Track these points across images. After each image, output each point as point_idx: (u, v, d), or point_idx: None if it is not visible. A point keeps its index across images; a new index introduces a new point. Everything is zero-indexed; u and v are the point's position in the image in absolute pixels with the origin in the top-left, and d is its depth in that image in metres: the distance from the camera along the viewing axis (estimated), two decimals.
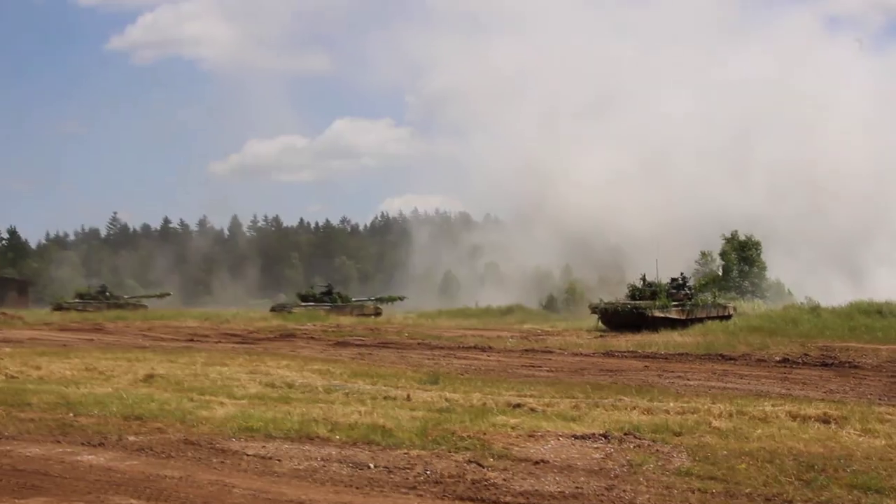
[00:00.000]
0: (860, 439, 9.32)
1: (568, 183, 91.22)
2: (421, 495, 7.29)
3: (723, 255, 72.54)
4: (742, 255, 71.69)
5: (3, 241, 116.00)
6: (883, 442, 9.15)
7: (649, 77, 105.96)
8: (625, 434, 9.32)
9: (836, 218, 77.11)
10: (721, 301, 36.08)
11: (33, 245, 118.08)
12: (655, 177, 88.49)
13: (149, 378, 14.75)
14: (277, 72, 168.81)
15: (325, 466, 8.22)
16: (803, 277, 67.70)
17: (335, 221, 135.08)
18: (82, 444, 9.32)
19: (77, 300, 55.54)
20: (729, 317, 33.45)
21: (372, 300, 53.17)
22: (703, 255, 74.31)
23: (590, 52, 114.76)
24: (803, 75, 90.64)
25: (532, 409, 11.29)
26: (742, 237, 73.16)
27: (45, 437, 9.74)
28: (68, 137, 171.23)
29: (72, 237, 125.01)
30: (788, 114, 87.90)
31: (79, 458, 8.66)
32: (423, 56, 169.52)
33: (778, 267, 70.78)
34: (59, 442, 9.45)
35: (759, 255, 72.03)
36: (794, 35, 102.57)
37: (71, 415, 11.02)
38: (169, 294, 69.82)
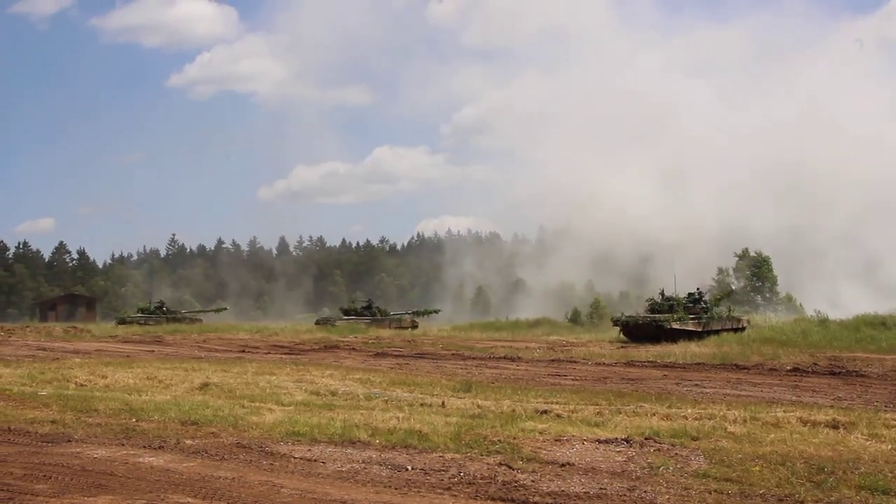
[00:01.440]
0: (867, 443, 9.19)
1: (592, 204, 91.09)
2: (455, 495, 7.27)
3: (736, 270, 72.11)
4: (754, 271, 71.23)
5: (74, 261, 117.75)
6: (889, 446, 9.01)
7: (670, 106, 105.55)
8: (645, 439, 9.25)
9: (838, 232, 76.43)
10: (735, 314, 35.76)
11: (100, 264, 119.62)
12: (675, 196, 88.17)
13: (204, 386, 14.84)
14: (322, 104, 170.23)
15: (366, 468, 8.22)
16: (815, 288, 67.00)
17: (375, 241, 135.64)
18: (144, 446, 9.40)
19: (139, 315, 55.97)
20: (743, 329, 33.16)
21: (409, 314, 53.13)
22: (720, 271, 73.98)
23: (613, 82, 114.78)
24: (820, 105, 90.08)
25: (558, 416, 11.23)
26: (753, 254, 72.68)
27: (110, 440, 9.83)
28: (132, 166, 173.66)
29: (135, 257, 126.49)
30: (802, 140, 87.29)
31: (141, 459, 8.73)
32: (456, 89, 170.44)
33: (786, 278, 70.13)
34: (122, 445, 9.53)
35: (769, 270, 71.43)
36: (809, 70, 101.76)
37: (133, 420, 11.13)
38: (225, 308, 70.20)
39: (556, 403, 12.48)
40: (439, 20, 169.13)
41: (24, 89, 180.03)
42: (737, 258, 73.06)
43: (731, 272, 72.92)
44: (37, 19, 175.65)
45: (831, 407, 12.48)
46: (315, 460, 8.58)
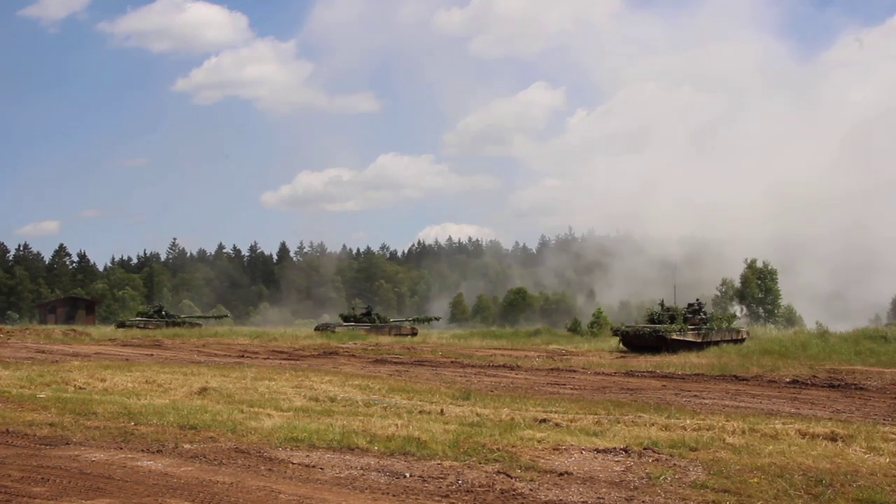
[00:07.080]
0: (865, 456, 9.19)
1: (591, 213, 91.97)
2: (453, 503, 7.28)
3: (743, 281, 72.30)
4: (760, 283, 71.47)
5: (74, 264, 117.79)
6: (887, 459, 9.01)
7: (677, 116, 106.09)
8: (644, 449, 9.25)
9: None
10: (735, 326, 35.78)
11: (101, 267, 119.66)
12: (672, 208, 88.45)
13: (203, 391, 14.84)
14: (329, 111, 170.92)
15: (364, 475, 8.23)
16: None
17: (376, 248, 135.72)
18: (142, 450, 9.40)
19: (138, 318, 55.90)
20: (742, 340, 33.17)
21: (408, 321, 53.17)
22: (724, 282, 74.25)
23: (620, 92, 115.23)
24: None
25: (557, 424, 11.24)
26: (760, 265, 72.90)
27: (108, 443, 9.84)
28: (136, 170, 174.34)
29: (135, 260, 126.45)
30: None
31: (139, 463, 8.73)
32: (462, 98, 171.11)
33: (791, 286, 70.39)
34: (121, 448, 9.54)
35: (774, 283, 71.61)
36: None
37: (132, 424, 11.13)
38: (226, 316, 70.26)
39: (555, 412, 12.49)
40: (447, 29, 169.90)
41: (32, 92, 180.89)
42: (746, 267, 73.21)
43: (735, 282, 73.21)
44: (48, 23, 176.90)
45: (830, 419, 12.48)
46: (313, 466, 8.59)
